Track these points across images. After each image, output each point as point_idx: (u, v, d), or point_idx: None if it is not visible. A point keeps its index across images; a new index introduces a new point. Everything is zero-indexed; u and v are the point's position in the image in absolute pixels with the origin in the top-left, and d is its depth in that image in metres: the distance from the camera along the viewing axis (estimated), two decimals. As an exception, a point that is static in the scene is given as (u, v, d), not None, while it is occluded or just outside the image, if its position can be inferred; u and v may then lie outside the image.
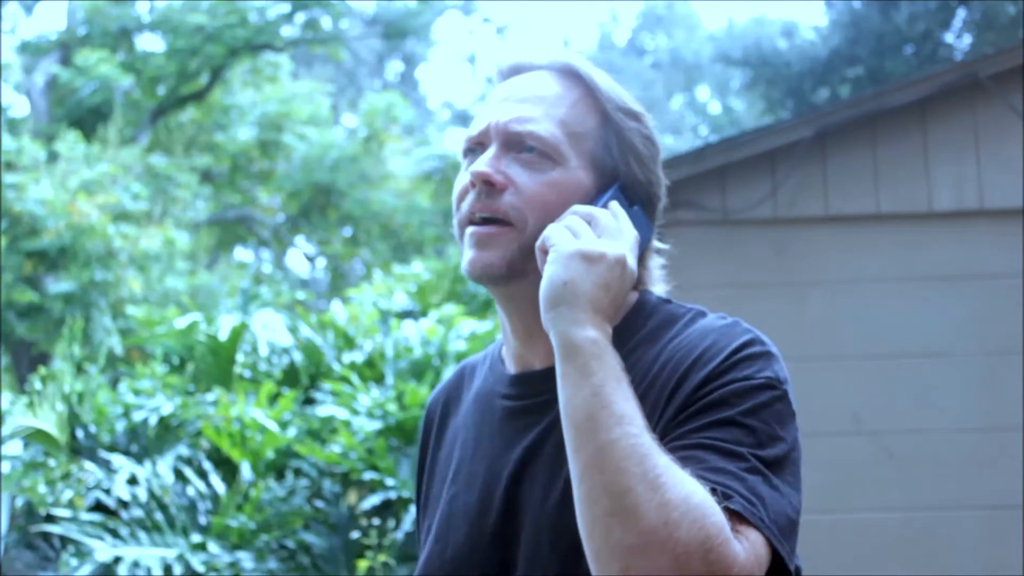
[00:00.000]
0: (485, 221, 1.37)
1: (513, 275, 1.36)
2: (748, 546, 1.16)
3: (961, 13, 14.62)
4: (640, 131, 1.42)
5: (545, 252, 1.30)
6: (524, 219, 1.35)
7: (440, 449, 1.53)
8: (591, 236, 1.30)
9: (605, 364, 1.23)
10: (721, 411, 1.25)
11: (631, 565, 1.13)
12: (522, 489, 1.36)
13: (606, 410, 1.19)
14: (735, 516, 1.17)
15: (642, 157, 1.41)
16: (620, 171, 1.40)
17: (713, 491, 1.17)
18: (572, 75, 1.43)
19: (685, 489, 1.14)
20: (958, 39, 15.06)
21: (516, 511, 1.36)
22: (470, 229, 1.38)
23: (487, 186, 1.36)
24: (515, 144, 1.38)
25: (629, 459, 1.15)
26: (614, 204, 1.37)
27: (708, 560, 1.12)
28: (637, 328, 1.39)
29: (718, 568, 1.12)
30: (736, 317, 1.38)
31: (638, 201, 1.41)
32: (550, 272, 1.28)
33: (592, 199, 1.38)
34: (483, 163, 1.37)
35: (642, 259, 1.43)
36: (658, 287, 1.46)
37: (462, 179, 1.41)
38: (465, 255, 1.39)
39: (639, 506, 1.13)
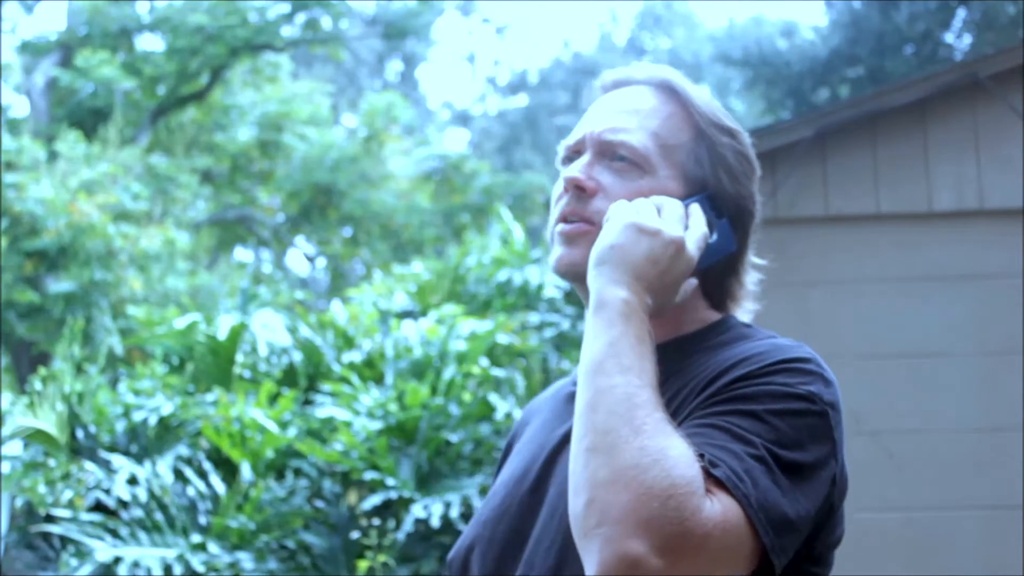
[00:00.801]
0: (578, 223, 1.43)
1: None
2: (719, 508, 1.18)
3: (961, 13, 14.62)
4: (734, 147, 1.46)
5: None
6: None
7: (520, 442, 1.60)
8: (653, 215, 1.35)
9: (629, 322, 1.28)
10: (748, 404, 1.27)
11: (597, 497, 1.17)
12: (556, 464, 1.42)
13: (615, 359, 1.24)
14: (716, 483, 1.19)
15: (734, 171, 1.45)
16: (710, 183, 1.44)
17: (701, 456, 1.19)
18: (669, 90, 1.49)
19: (668, 441, 1.18)
20: (958, 39, 15.05)
21: (545, 484, 1.42)
22: (559, 227, 1.45)
23: (578, 190, 1.43)
24: (608, 152, 1.44)
25: (621, 404, 1.21)
26: (694, 206, 1.41)
27: (667, 505, 1.15)
28: (707, 339, 1.43)
29: (674, 515, 1.15)
30: (803, 343, 1.40)
31: (727, 214, 1.44)
32: (602, 236, 1.34)
33: None
34: (576, 169, 1.45)
35: (734, 274, 1.47)
36: (747, 304, 1.50)
37: (558, 185, 1.47)
38: (553, 252, 1.46)
39: (617, 445, 1.18)
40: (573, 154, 1.48)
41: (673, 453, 1.17)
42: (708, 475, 1.19)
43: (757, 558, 1.22)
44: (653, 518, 1.14)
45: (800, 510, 1.25)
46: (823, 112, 5.36)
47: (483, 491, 5.57)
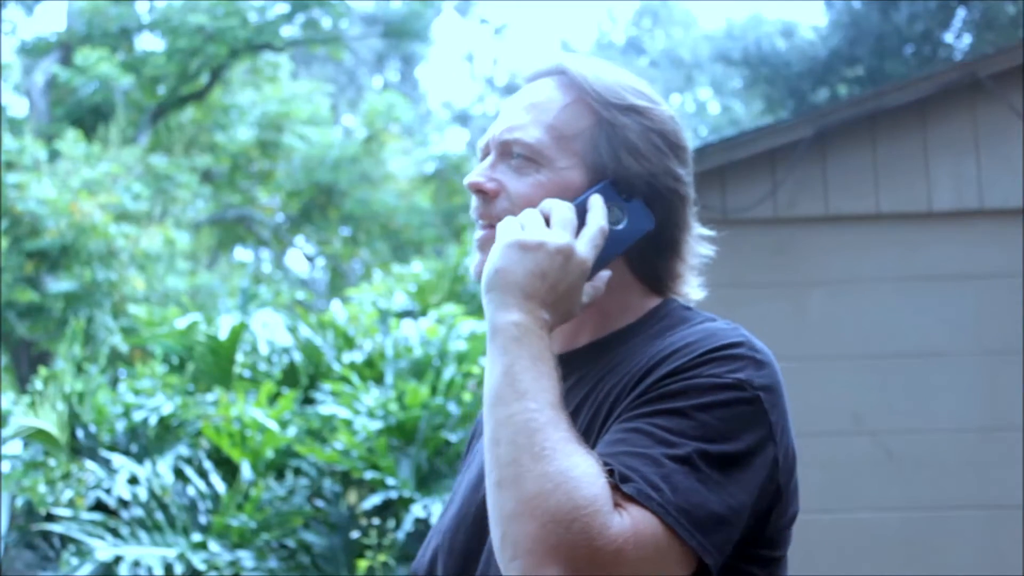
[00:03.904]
0: (487, 227, 1.44)
1: None
2: (629, 523, 1.17)
3: (961, 13, 14.62)
4: (639, 124, 1.43)
5: None
6: None
7: (479, 441, 1.59)
8: (537, 227, 1.34)
9: (523, 345, 1.27)
10: (674, 401, 1.26)
11: (508, 531, 1.19)
12: None
13: (511, 387, 1.24)
14: (627, 496, 1.19)
15: (637, 151, 1.42)
16: (610, 168, 1.42)
17: (611, 471, 1.19)
18: (565, 78, 1.47)
19: (569, 462, 1.18)
20: (958, 39, 15.06)
21: None
22: (476, 233, 1.46)
23: (480, 194, 1.44)
24: (507, 151, 1.45)
25: (520, 433, 1.21)
26: (594, 198, 1.38)
27: (571, 529, 1.15)
28: (645, 329, 1.41)
29: (580, 538, 1.15)
30: (738, 324, 1.38)
31: (637, 194, 1.41)
32: (488, 261, 1.34)
33: (581, 196, 1.40)
34: (476, 172, 1.46)
35: (670, 252, 1.44)
36: (692, 280, 1.47)
37: None
38: (471, 259, 1.46)
39: (520, 476, 1.19)
40: (484, 156, 1.48)
41: (575, 473, 1.17)
42: (618, 489, 1.18)
43: (694, 559, 1.21)
44: (561, 544, 1.15)
45: (733, 502, 1.24)
46: (823, 112, 5.36)
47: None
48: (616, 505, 1.18)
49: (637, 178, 1.41)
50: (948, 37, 14.94)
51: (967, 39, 14.94)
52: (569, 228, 1.35)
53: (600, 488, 1.17)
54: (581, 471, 1.17)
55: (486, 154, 1.48)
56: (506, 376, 1.25)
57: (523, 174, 1.42)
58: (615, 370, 1.36)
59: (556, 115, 1.44)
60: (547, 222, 1.35)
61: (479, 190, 1.44)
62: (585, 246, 1.34)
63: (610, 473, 1.19)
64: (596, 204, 1.38)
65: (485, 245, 1.41)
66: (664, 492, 1.19)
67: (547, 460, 1.18)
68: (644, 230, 1.41)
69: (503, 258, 1.32)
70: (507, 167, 1.44)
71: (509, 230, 1.34)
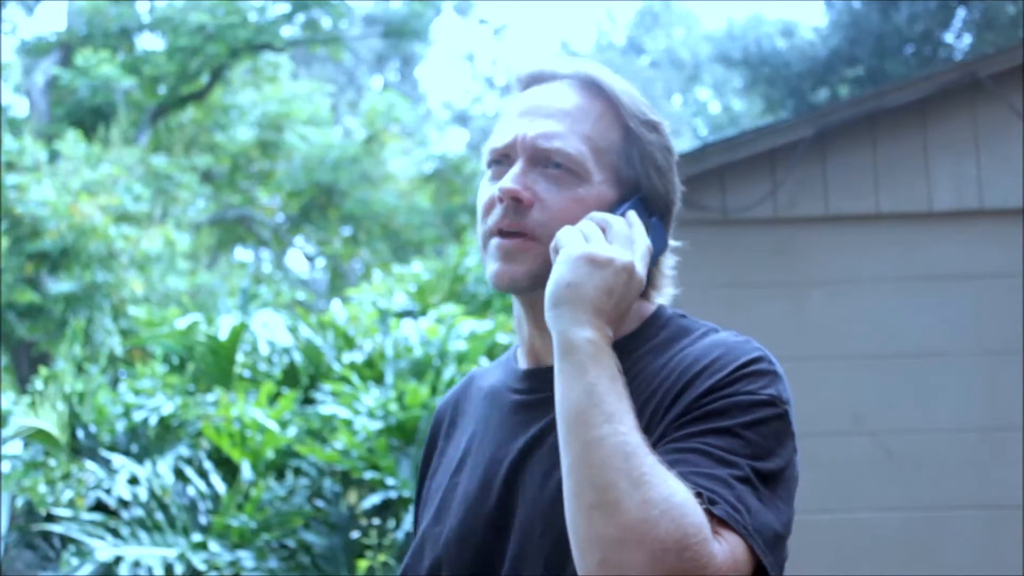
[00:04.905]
0: (512, 235, 1.39)
1: (537, 285, 1.38)
2: (727, 549, 1.18)
3: (961, 13, 14.62)
4: (659, 142, 1.43)
5: (557, 252, 1.33)
6: (550, 235, 1.36)
7: (447, 448, 1.56)
8: (602, 241, 1.32)
9: (600, 364, 1.25)
10: (721, 420, 1.27)
11: (609, 557, 1.16)
12: (520, 479, 1.39)
13: (597, 408, 1.22)
14: (718, 521, 1.19)
15: (661, 168, 1.43)
16: (642, 184, 1.41)
17: (699, 495, 1.19)
18: (595, 87, 1.43)
19: (668, 488, 1.17)
20: (958, 39, 15.06)
21: (512, 499, 1.39)
22: (495, 241, 1.40)
23: (514, 202, 1.38)
24: (542, 160, 1.40)
25: (615, 456, 1.19)
26: (631, 214, 1.38)
27: (683, 557, 1.14)
28: (649, 337, 1.41)
29: (692, 566, 1.15)
30: (749, 337, 1.39)
31: (657, 212, 1.42)
32: (557, 273, 1.30)
33: (613, 212, 1.39)
34: (510, 179, 1.39)
35: (657, 265, 1.45)
36: (667, 291, 1.48)
37: (487, 190, 1.42)
38: (490, 266, 1.41)
39: (621, 501, 1.16)
40: (502, 158, 1.42)
41: (677, 500, 1.16)
42: (710, 514, 1.19)
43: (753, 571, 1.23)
44: (672, 572, 1.14)
45: (783, 518, 1.27)
46: (823, 112, 5.36)
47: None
48: (713, 532, 1.18)
49: (659, 197, 1.42)
50: (948, 37, 14.94)
51: (967, 39, 14.94)
52: (629, 245, 1.33)
53: (702, 516, 1.17)
54: (681, 498, 1.17)
55: (504, 156, 1.42)
56: (589, 396, 1.23)
57: (562, 186, 1.38)
58: (635, 383, 1.34)
59: (592, 126, 1.40)
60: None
61: (515, 198, 1.38)
62: (641, 264, 1.33)
63: (699, 497, 1.19)
64: (637, 221, 1.37)
65: (514, 255, 1.38)
66: (743, 514, 1.21)
67: (648, 486, 1.17)
68: (663, 250, 1.43)
69: (573, 271, 1.29)
70: (540, 175, 1.39)
71: (575, 243, 1.31)
